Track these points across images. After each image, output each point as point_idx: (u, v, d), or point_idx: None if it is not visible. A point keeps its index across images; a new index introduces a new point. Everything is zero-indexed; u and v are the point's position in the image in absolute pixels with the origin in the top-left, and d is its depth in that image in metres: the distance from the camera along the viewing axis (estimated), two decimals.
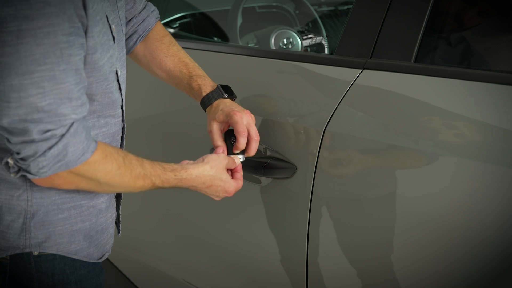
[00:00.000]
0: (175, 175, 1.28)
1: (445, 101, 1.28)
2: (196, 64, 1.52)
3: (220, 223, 1.71)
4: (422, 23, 1.35)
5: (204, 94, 1.45)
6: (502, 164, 1.16)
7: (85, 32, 1.11)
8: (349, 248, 1.39)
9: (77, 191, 1.26)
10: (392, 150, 1.30)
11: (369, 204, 1.34)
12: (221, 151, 1.41)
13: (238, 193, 1.62)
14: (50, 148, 1.09)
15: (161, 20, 2.31)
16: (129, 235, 2.01)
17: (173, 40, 1.56)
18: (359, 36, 1.45)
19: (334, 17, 2.89)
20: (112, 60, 1.23)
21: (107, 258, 2.11)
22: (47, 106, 1.07)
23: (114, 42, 1.25)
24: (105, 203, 1.34)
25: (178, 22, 2.39)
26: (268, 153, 1.51)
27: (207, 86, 1.47)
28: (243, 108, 1.42)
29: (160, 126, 1.86)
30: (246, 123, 1.39)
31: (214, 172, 1.33)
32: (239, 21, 2.41)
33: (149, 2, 1.56)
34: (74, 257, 1.28)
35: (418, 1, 1.37)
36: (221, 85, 1.47)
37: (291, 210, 1.49)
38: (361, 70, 1.40)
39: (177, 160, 1.34)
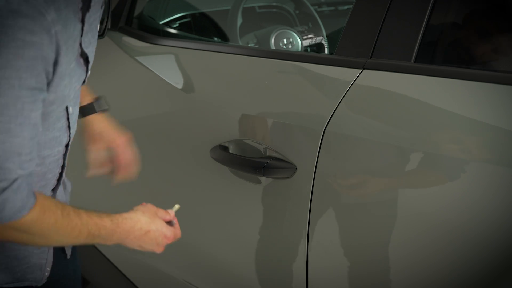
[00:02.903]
0: (111, 220, 1.26)
1: (445, 101, 1.28)
2: None
3: (220, 223, 1.71)
4: (422, 23, 1.35)
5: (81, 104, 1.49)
6: (502, 164, 1.16)
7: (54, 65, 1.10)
8: (349, 248, 1.39)
9: None
10: (392, 150, 1.30)
11: (369, 204, 1.34)
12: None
13: (238, 193, 1.62)
14: None
15: (161, 20, 2.31)
16: None
17: None
18: (359, 36, 1.45)
19: (334, 17, 2.88)
20: (65, 97, 1.20)
21: (106, 258, 2.11)
22: None
23: (84, 82, 1.26)
24: None
25: (178, 22, 2.39)
26: (268, 153, 1.51)
27: (84, 96, 1.51)
28: (118, 134, 1.49)
29: (158, 128, 1.86)
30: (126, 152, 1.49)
31: (148, 217, 1.33)
32: (239, 21, 2.41)
33: None
34: None
35: (418, 1, 1.37)
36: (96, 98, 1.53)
37: (291, 210, 1.49)
38: (361, 70, 1.40)
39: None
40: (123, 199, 2.04)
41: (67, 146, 1.30)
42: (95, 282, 2.33)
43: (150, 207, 1.36)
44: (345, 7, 2.95)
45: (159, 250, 1.37)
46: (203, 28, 2.53)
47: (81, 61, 1.22)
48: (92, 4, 1.19)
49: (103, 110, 1.52)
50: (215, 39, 2.45)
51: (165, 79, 1.82)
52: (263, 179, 1.53)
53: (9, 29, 1.00)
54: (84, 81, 1.26)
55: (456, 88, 1.27)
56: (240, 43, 2.37)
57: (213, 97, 1.69)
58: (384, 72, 1.37)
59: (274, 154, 1.50)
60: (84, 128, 1.52)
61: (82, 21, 1.18)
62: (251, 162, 1.51)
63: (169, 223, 1.40)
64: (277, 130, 1.51)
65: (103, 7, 1.33)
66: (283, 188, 1.50)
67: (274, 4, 2.70)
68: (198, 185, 1.75)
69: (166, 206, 1.91)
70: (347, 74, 1.42)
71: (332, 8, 2.96)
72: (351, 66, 1.42)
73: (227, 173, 1.60)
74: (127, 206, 1.86)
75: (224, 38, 2.45)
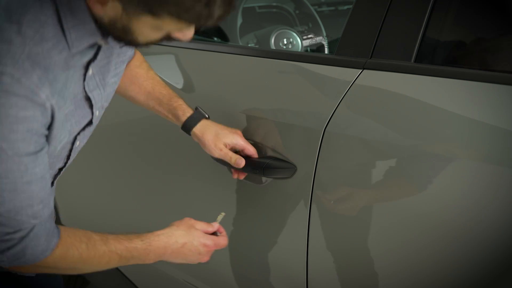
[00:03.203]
0: (142, 240, 1.29)
1: (445, 101, 1.28)
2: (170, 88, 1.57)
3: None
4: (422, 23, 1.35)
5: (187, 115, 1.50)
6: (502, 164, 1.16)
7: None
8: (349, 248, 1.39)
9: None
10: (392, 150, 1.30)
11: (369, 205, 1.34)
12: (243, 163, 1.47)
13: (238, 193, 1.62)
14: (8, 248, 1.11)
15: None
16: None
17: (149, 64, 1.58)
18: (359, 36, 1.45)
19: (334, 17, 2.88)
20: (57, 145, 1.21)
21: None
22: (6, 213, 1.08)
23: (91, 123, 1.26)
24: None
25: None
26: (268, 153, 1.51)
27: (187, 108, 1.52)
28: (234, 130, 1.50)
29: (158, 128, 1.86)
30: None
31: (182, 230, 1.35)
32: (239, 21, 2.41)
33: None
34: None
35: (418, 1, 1.37)
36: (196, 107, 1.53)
37: (291, 210, 1.49)
38: (361, 70, 1.40)
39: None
40: (122, 196, 2.04)
41: (60, 169, 1.31)
42: (95, 282, 2.33)
43: (186, 220, 1.38)
44: (345, 7, 2.95)
45: (204, 259, 1.39)
46: (203, 28, 2.52)
47: (85, 103, 1.21)
48: (100, 53, 1.19)
49: (206, 117, 1.52)
50: (215, 39, 2.45)
51: (165, 79, 1.82)
52: (263, 179, 1.53)
53: (2, 108, 1.01)
54: (91, 122, 1.26)
55: (456, 88, 1.27)
56: (240, 43, 2.37)
57: (213, 97, 1.69)
58: (384, 72, 1.37)
59: (274, 154, 1.50)
60: (200, 140, 1.51)
61: (86, 67, 1.18)
62: (251, 162, 1.50)
63: (214, 234, 1.42)
64: (277, 130, 1.50)
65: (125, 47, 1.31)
66: (283, 188, 1.50)
67: (274, 4, 2.70)
68: (198, 185, 1.75)
69: (168, 201, 1.92)
70: (347, 74, 1.42)
71: (332, 8, 2.95)
72: (351, 66, 1.42)
73: (227, 173, 1.59)
74: (127, 202, 1.86)
75: (224, 38, 2.45)
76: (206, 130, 1.49)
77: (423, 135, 1.27)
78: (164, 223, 1.92)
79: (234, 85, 1.69)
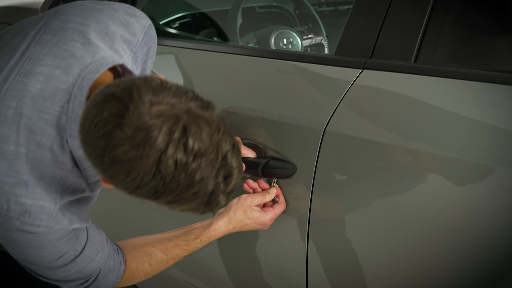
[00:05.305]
0: (200, 240, 1.43)
1: (445, 101, 1.28)
2: None
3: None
4: (422, 23, 1.35)
5: None
6: (502, 164, 1.16)
7: None
8: (349, 249, 1.39)
9: None
10: (392, 150, 1.30)
11: (369, 205, 1.34)
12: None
13: (238, 193, 1.62)
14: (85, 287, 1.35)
15: (161, 20, 2.31)
16: (128, 235, 2.01)
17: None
18: (359, 36, 1.45)
19: (334, 17, 2.88)
20: None
21: None
22: (75, 273, 1.30)
23: None
24: None
25: (178, 22, 2.39)
26: (268, 153, 1.51)
27: None
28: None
29: None
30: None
31: (239, 215, 1.45)
32: (239, 21, 2.41)
33: None
34: None
35: (418, 1, 1.37)
36: None
37: (291, 210, 1.49)
38: (361, 70, 1.40)
39: None
40: (123, 198, 2.04)
41: None
42: None
43: (242, 201, 1.46)
44: (345, 7, 2.95)
45: (266, 227, 1.49)
46: (203, 28, 2.53)
47: None
48: None
49: None
50: (215, 39, 2.45)
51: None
52: (263, 179, 1.53)
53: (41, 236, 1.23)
54: None
55: (456, 88, 1.27)
56: (240, 43, 2.37)
57: (213, 97, 1.69)
58: (384, 72, 1.37)
59: (274, 154, 1.50)
60: None
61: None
62: (251, 162, 1.51)
63: (273, 200, 1.49)
64: (277, 130, 1.51)
65: None
66: (283, 188, 1.50)
67: (274, 4, 2.70)
68: None
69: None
70: (347, 74, 1.42)
71: (332, 8, 2.96)
72: (351, 66, 1.42)
73: None
74: (127, 204, 1.85)
75: (224, 38, 2.45)
76: None
77: (423, 135, 1.27)
78: (163, 222, 1.92)
79: (234, 85, 1.69)
